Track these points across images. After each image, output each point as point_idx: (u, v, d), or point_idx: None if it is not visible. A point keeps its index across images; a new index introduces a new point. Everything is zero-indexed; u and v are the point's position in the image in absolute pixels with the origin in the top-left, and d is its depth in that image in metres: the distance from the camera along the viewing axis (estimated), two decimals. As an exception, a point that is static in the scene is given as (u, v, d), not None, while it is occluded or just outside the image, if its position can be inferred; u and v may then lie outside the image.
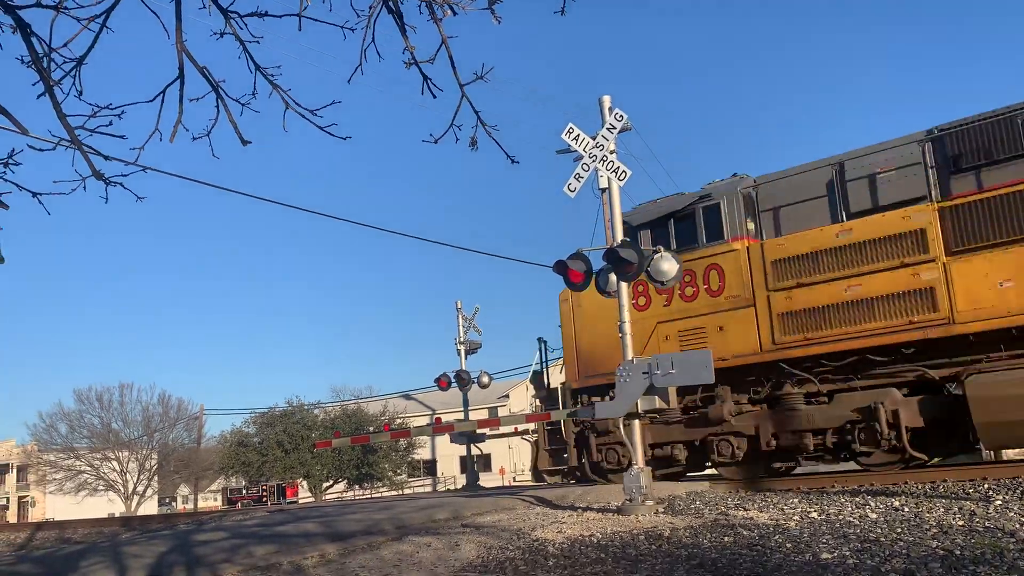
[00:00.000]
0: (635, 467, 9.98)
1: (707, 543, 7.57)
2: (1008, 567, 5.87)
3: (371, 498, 17.00)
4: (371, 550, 8.75)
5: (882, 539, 7.10)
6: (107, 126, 3.35)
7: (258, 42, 3.74)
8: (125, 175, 3.51)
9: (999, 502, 8.29)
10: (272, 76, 3.78)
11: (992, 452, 13.72)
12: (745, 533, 7.81)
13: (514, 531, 9.01)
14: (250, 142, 3.64)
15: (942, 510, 8.14)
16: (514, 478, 50.63)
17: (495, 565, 7.61)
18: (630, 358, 10.19)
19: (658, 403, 9.97)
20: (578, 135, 10.91)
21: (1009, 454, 18.87)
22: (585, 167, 10.89)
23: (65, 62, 3.47)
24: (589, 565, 7.18)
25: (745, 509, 9.32)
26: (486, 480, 28.42)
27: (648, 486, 9.93)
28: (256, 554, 8.96)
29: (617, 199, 10.95)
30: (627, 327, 10.37)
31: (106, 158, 3.45)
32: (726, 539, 7.65)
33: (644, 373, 9.84)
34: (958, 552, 6.39)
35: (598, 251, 11.06)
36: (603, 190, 10.98)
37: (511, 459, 55.57)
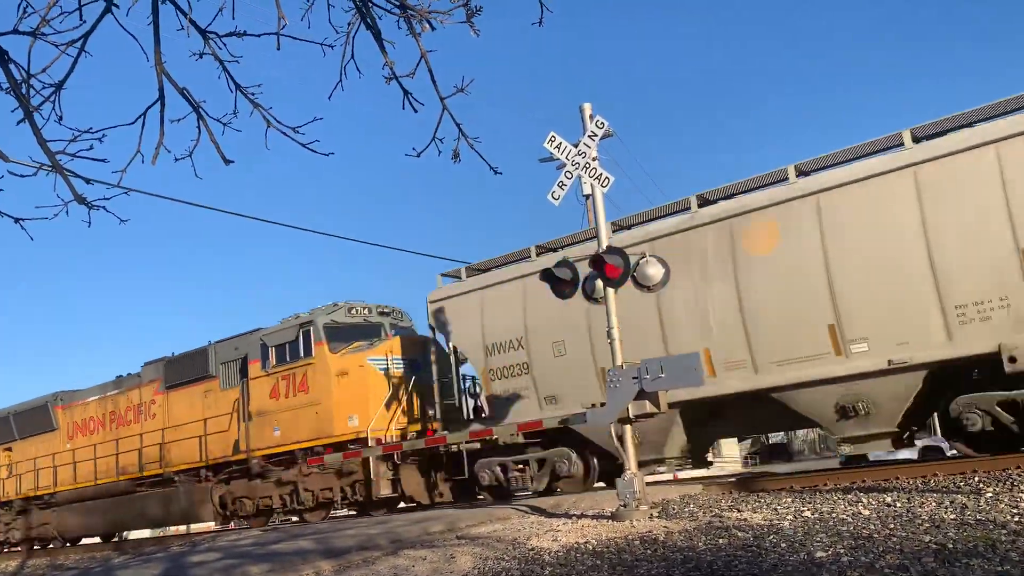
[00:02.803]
0: (628, 472, 9.99)
1: (702, 546, 7.58)
2: (1001, 558, 5.90)
3: (366, 512, 16.89)
4: (366, 565, 8.72)
5: (875, 535, 7.13)
6: (88, 150, 3.35)
7: (238, 62, 3.75)
8: (108, 198, 3.51)
9: (990, 494, 8.34)
10: (253, 95, 3.79)
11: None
12: (740, 534, 7.82)
13: (509, 541, 8.99)
14: (232, 161, 3.65)
15: (934, 504, 8.18)
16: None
17: (491, 576, 7.60)
18: (619, 363, 10.22)
19: (648, 407, 9.99)
20: (560, 143, 10.95)
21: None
22: (568, 175, 10.93)
23: (44, 88, 3.47)
24: (585, 572, 7.18)
25: (739, 510, 9.34)
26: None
27: (642, 491, 9.93)
28: (251, 573, 8.92)
29: (601, 205, 10.99)
30: (615, 333, 10.39)
31: (88, 182, 3.45)
32: (721, 541, 7.66)
33: (634, 378, 9.87)
34: (951, 546, 6.43)
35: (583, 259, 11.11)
36: (587, 197, 11.02)
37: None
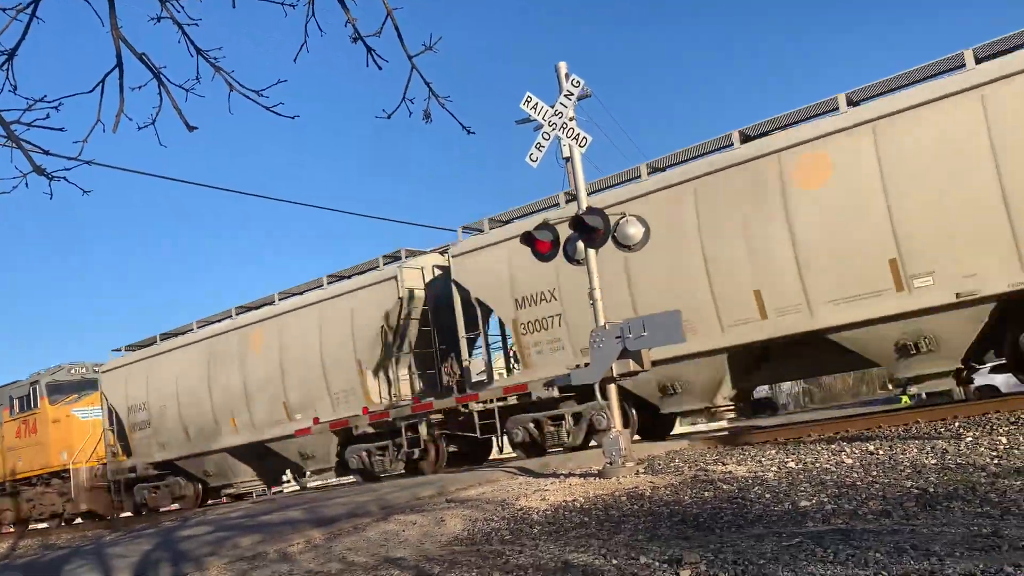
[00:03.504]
0: (613, 430, 10.05)
1: (688, 499, 7.66)
2: (981, 500, 6.00)
3: (356, 482, 17.15)
4: (357, 532, 8.76)
5: (858, 483, 7.22)
6: (44, 119, 3.25)
7: (197, 25, 3.65)
8: (68, 168, 3.43)
9: (969, 439, 8.46)
10: (214, 59, 3.70)
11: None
12: (725, 487, 7.91)
13: (498, 502, 9.06)
14: (196, 128, 3.57)
15: (915, 450, 8.29)
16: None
17: (481, 537, 7.65)
18: (602, 324, 10.23)
19: (632, 366, 10.03)
20: (536, 104, 10.82)
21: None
22: (546, 136, 10.83)
23: (-4, 56, 3.36)
24: (573, 529, 7.25)
25: (724, 464, 9.44)
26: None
27: (627, 448, 10.01)
28: (242, 545, 8.94)
29: (580, 166, 10.90)
30: (597, 293, 10.39)
31: (46, 153, 3.36)
32: (706, 494, 7.74)
33: (617, 337, 9.89)
34: (932, 490, 6.52)
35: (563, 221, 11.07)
36: (566, 159, 10.92)
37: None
